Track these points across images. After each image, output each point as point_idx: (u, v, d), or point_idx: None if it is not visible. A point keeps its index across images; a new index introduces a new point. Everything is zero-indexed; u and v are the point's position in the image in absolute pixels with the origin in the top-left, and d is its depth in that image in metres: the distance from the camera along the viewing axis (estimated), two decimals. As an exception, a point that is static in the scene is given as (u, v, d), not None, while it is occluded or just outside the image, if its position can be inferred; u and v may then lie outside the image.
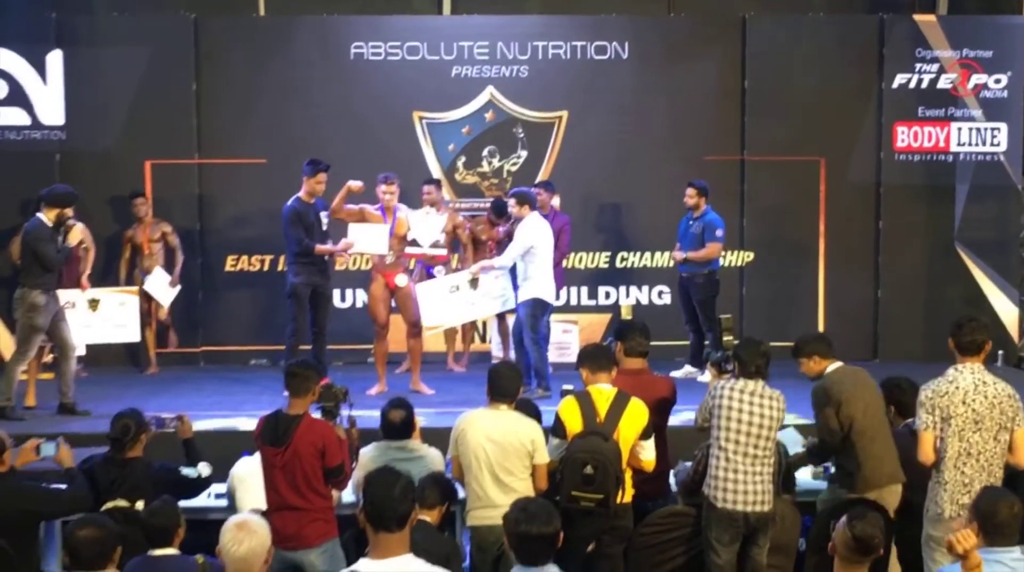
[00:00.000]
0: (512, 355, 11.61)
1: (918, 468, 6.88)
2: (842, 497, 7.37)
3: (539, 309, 11.04)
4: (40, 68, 12.84)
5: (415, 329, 11.49)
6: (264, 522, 5.27)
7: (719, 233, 12.00)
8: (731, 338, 7.81)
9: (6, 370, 10.55)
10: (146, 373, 12.69)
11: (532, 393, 10.30)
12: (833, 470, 7.75)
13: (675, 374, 11.33)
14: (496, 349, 12.93)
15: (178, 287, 12.57)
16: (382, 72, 13.22)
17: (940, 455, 6.71)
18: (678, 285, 12.43)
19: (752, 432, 7.07)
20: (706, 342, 11.77)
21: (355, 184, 10.99)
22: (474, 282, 11.38)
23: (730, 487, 7.05)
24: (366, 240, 11.21)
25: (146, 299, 12.39)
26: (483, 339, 13.39)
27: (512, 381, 7.23)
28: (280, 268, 12.69)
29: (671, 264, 12.61)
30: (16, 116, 12.86)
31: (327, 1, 13.59)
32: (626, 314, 9.43)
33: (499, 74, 13.29)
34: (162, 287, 12.44)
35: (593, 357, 7.29)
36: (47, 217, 10.27)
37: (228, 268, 13.29)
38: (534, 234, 10.96)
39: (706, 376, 11.32)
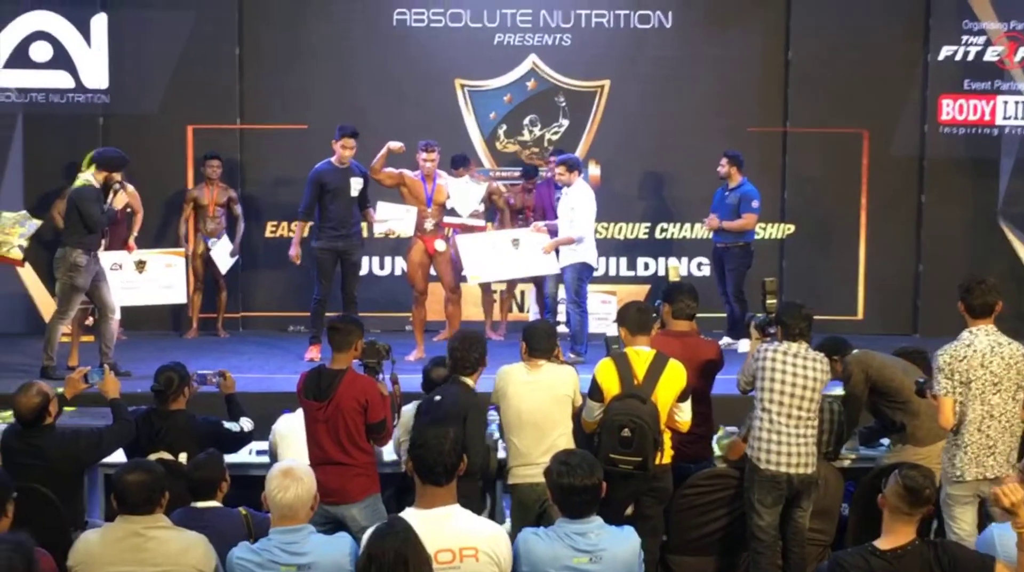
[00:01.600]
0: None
1: None
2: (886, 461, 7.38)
3: (585, 272, 11.27)
4: (84, 31, 12.88)
5: (454, 295, 11.55)
6: (309, 469, 5.30)
7: (755, 204, 11.95)
8: (773, 301, 7.76)
9: (47, 330, 10.60)
10: (186, 337, 12.76)
11: (567, 358, 10.28)
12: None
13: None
14: (534, 318, 12.91)
15: (237, 256, 12.64)
16: (424, 39, 13.19)
17: (960, 418, 6.69)
18: (712, 255, 12.42)
19: (796, 393, 7.04)
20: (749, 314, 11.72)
21: (395, 144, 11.01)
22: (516, 242, 11.43)
23: (773, 449, 7.02)
24: (393, 219, 11.30)
25: (204, 263, 12.44)
26: (520, 308, 13.38)
27: (549, 337, 7.26)
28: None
29: (708, 234, 12.55)
30: (60, 79, 12.91)
31: (370, -33, 13.59)
32: (674, 276, 9.46)
33: (541, 42, 13.24)
34: (224, 255, 12.51)
35: (633, 319, 7.25)
36: (95, 178, 10.31)
37: (268, 234, 13.33)
38: (577, 200, 11.17)
39: (744, 345, 11.43)
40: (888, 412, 7.67)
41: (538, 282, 12.22)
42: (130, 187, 11.22)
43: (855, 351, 7.83)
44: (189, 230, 12.62)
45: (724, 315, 12.21)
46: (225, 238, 12.53)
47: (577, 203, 11.16)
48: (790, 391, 7.05)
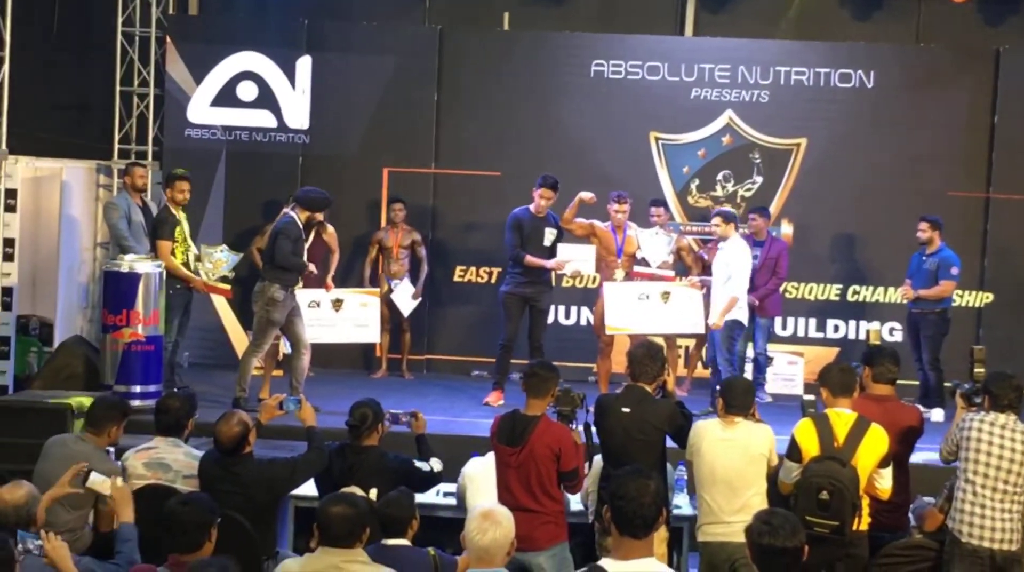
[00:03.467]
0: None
1: None
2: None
3: (736, 329, 11.18)
4: (290, 72, 13.24)
5: (638, 346, 11.44)
6: (509, 514, 5.25)
7: (954, 271, 11.64)
8: (981, 370, 7.52)
9: (241, 362, 10.83)
10: (374, 376, 12.90)
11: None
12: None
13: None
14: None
15: (419, 299, 12.76)
16: (621, 90, 13.21)
17: None
18: (907, 321, 12.10)
19: (1003, 466, 6.80)
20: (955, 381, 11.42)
21: (586, 195, 11.02)
22: (666, 296, 11.24)
23: (976, 522, 6.77)
24: (576, 260, 11.35)
25: (387, 305, 12.61)
26: (705, 366, 13.19)
27: (746, 394, 7.10)
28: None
29: (902, 300, 12.24)
30: (264, 118, 13.29)
31: (570, 18, 13.70)
32: (874, 339, 9.23)
33: (738, 98, 13.14)
34: (406, 298, 12.64)
35: (836, 380, 7.08)
36: (299, 216, 10.53)
37: (456, 278, 13.43)
38: (733, 257, 11.10)
39: (937, 415, 11.12)
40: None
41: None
42: (329, 228, 11.44)
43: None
44: (379, 272, 12.76)
45: (917, 382, 11.85)
46: (407, 281, 12.66)
47: (733, 259, 11.06)
48: (996, 463, 6.82)
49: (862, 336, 13.05)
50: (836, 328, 13.28)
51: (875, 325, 12.49)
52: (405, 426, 7.72)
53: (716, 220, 11.24)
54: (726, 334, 11.12)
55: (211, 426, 7.16)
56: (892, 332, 13.14)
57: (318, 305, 11.35)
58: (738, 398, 7.08)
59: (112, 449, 7.51)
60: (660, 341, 11.56)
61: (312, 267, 10.70)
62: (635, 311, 11.19)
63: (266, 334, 10.59)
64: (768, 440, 7.07)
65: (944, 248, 11.74)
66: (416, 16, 13.93)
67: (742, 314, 11.19)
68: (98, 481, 6.34)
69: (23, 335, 12.10)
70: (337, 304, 11.49)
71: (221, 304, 12.93)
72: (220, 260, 10.98)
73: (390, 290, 12.62)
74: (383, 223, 13.12)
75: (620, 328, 11.28)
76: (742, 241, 11.33)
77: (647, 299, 11.20)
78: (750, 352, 12.17)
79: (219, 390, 11.37)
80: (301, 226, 10.54)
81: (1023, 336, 12.86)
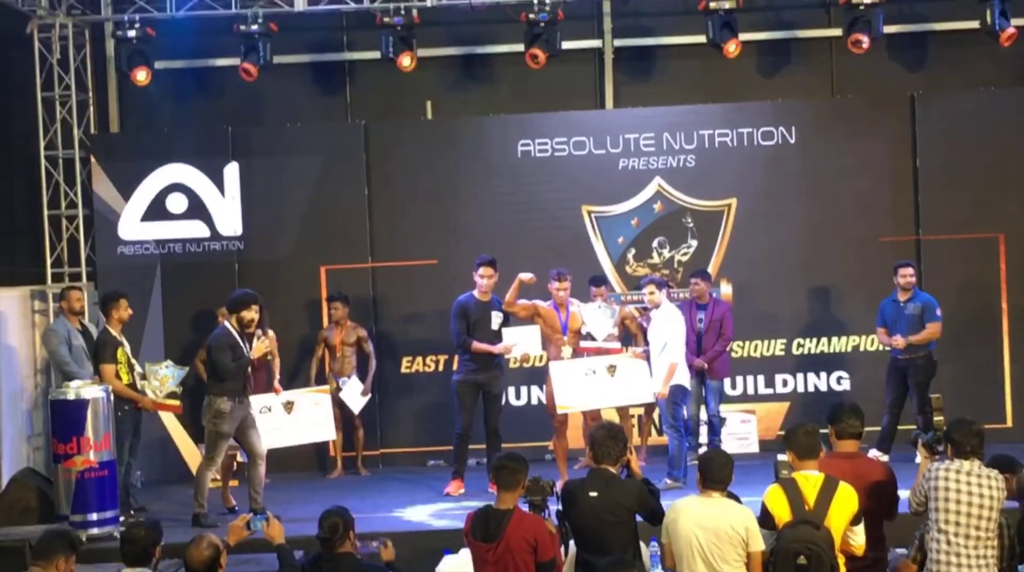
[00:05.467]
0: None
1: None
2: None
3: (679, 394, 11.27)
4: (218, 180, 13.22)
5: (595, 421, 11.41)
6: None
7: (939, 312, 11.89)
8: (941, 419, 7.56)
9: (196, 477, 10.71)
10: (330, 476, 12.79)
11: (661, 484, 10.11)
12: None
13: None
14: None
15: (369, 395, 12.69)
16: (549, 168, 13.32)
17: None
18: (891, 368, 12.16)
19: (973, 513, 6.83)
20: (905, 427, 11.60)
21: (525, 276, 11.07)
22: (612, 369, 11.23)
23: (953, 570, 6.79)
24: (522, 342, 11.37)
25: (337, 405, 12.53)
26: (659, 432, 13.21)
27: (724, 468, 7.05)
28: (454, 367, 12.69)
29: (879, 347, 12.55)
30: (196, 228, 13.24)
31: (491, 101, 13.87)
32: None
33: (666, 164, 13.28)
34: (355, 396, 12.57)
35: (801, 443, 7.08)
36: (231, 324, 10.46)
37: (403, 370, 13.38)
38: (665, 325, 11.26)
39: (884, 459, 11.24)
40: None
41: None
42: (270, 333, 11.35)
43: (1029, 465, 7.59)
44: (326, 369, 12.68)
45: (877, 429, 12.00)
46: (354, 379, 12.59)
47: (667, 325, 11.24)
48: (966, 511, 6.85)
49: (811, 388, 13.19)
50: (785, 382, 13.35)
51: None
52: (374, 550, 7.62)
53: (648, 288, 11.35)
54: (669, 401, 11.23)
55: (177, 547, 7.05)
56: (840, 381, 13.25)
57: (270, 410, 11.21)
58: (716, 472, 7.01)
59: None
60: (616, 418, 11.70)
61: (253, 357, 10.56)
62: (584, 388, 11.15)
63: (217, 447, 10.50)
64: (747, 521, 6.94)
65: (920, 292, 12.01)
66: (338, 113, 14.04)
67: (683, 378, 11.29)
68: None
69: (-33, 469, 11.90)
70: (288, 406, 11.36)
71: (169, 419, 12.79)
72: (166, 376, 10.86)
73: (338, 388, 12.53)
74: (325, 322, 13.06)
75: (571, 406, 11.25)
76: (672, 306, 11.49)
77: (594, 374, 11.16)
78: (703, 415, 12.24)
79: (175, 507, 11.25)
80: (236, 333, 10.46)
81: (967, 372, 13.00)
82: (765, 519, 6.91)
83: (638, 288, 12.89)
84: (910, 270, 11.98)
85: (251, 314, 10.43)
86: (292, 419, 11.40)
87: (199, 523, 10.33)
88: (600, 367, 11.20)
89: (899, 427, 11.94)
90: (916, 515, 7.24)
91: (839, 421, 7.44)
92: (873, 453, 11.79)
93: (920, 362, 11.87)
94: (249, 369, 10.64)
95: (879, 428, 12.02)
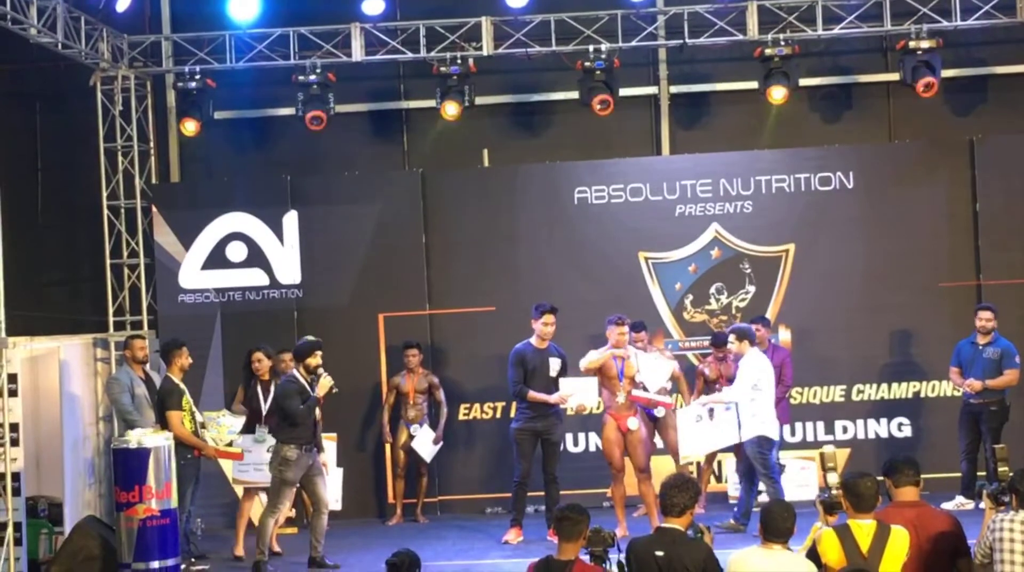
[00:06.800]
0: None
1: None
2: None
3: (766, 446, 11.26)
4: (277, 229, 13.34)
5: (644, 474, 11.44)
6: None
7: (1018, 359, 11.83)
8: (1007, 469, 7.45)
9: (259, 525, 10.77)
10: (389, 524, 12.80)
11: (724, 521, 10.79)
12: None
13: (945, 506, 10.93)
14: (733, 489, 12.68)
15: (440, 443, 12.74)
16: (606, 215, 13.35)
17: None
18: (963, 412, 12.09)
19: (1038, 565, 6.73)
20: (980, 473, 11.57)
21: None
22: (711, 413, 11.49)
23: (1019, 624, 6.69)
24: (579, 393, 11.42)
25: (404, 451, 12.58)
26: (719, 479, 13.16)
27: (786, 520, 6.97)
28: (512, 414, 12.69)
29: (940, 392, 12.62)
30: (256, 277, 13.36)
31: (549, 149, 13.92)
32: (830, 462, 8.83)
33: (723, 210, 13.27)
34: (427, 444, 12.64)
35: (860, 494, 7.00)
36: (299, 372, 10.56)
37: (461, 417, 13.39)
38: (757, 369, 11.26)
39: (970, 506, 11.14)
40: None
41: (737, 451, 12.03)
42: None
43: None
44: (388, 415, 12.73)
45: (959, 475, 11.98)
46: (426, 427, 12.64)
47: (744, 372, 11.31)
48: (1032, 563, 6.75)
49: (871, 435, 13.08)
50: (844, 429, 13.25)
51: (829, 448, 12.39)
52: None
53: (731, 338, 11.41)
54: (756, 451, 11.20)
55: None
56: (900, 427, 13.14)
57: (269, 451, 11.13)
58: (778, 524, 6.92)
59: None
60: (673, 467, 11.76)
61: (319, 395, 10.62)
62: (698, 434, 11.54)
63: (281, 495, 10.58)
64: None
65: (999, 337, 11.91)
66: (396, 162, 14.16)
67: (770, 429, 11.25)
68: None
69: (32, 517, 11.98)
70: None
71: (227, 465, 12.84)
72: (224, 425, 11.01)
73: (410, 437, 12.59)
74: (383, 369, 13.11)
75: (693, 456, 11.90)
76: (760, 354, 11.47)
77: (701, 421, 11.55)
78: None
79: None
80: (302, 379, 10.57)
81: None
82: (814, 559, 6.86)
83: (700, 334, 12.96)
84: (988, 313, 11.89)
85: (317, 360, 10.63)
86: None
87: (259, 571, 10.40)
88: (704, 413, 11.52)
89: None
90: (982, 567, 7.14)
91: (896, 472, 7.35)
92: (959, 500, 11.86)
93: (993, 408, 11.78)
94: (318, 415, 10.75)
95: (959, 475, 12.00)
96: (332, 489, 11.55)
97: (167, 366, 11.14)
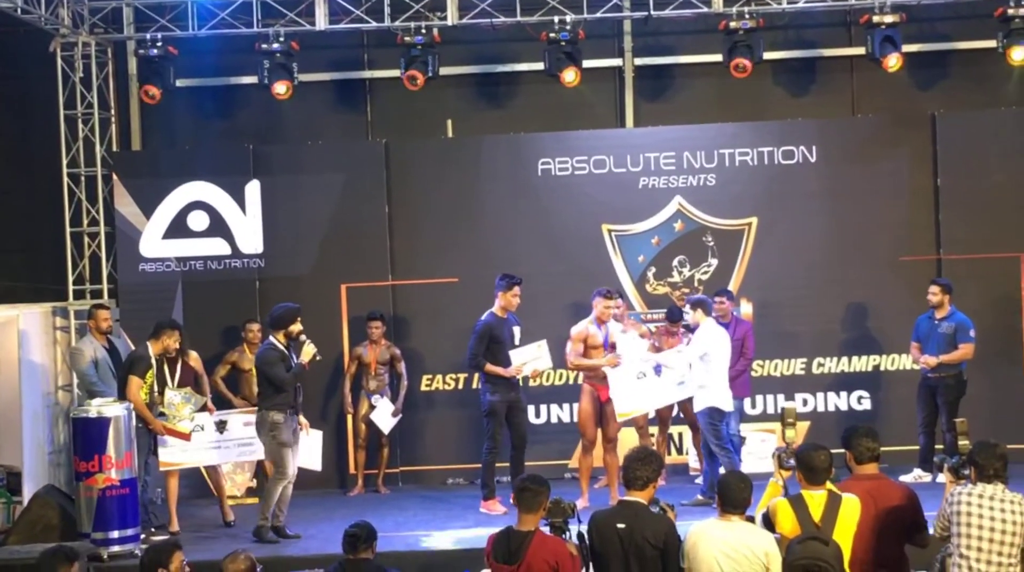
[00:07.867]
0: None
1: None
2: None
3: (716, 417, 11.29)
4: (239, 198, 13.24)
5: (611, 444, 11.48)
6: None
7: (972, 333, 11.88)
8: (966, 442, 7.54)
9: (266, 491, 10.80)
10: (350, 494, 12.79)
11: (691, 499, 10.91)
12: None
13: (904, 478, 10.99)
14: (693, 461, 12.75)
15: (400, 415, 12.73)
16: (569, 186, 13.33)
17: None
18: (921, 386, 12.18)
19: (995, 538, 6.81)
20: (938, 446, 11.65)
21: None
22: (657, 370, 11.48)
23: (975, 597, 6.77)
24: (531, 360, 11.42)
25: (364, 422, 12.58)
26: (679, 451, 13.22)
27: (742, 491, 7.02)
28: (474, 385, 12.71)
29: (899, 366, 12.68)
30: (218, 246, 13.26)
31: (513, 120, 13.92)
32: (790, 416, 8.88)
33: (686, 183, 13.27)
34: (386, 416, 12.64)
35: (811, 467, 7.06)
36: (277, 339, 10.53)
37: (423, 388, 13.38)
38: (709, 340, 11.26)
39: (928, 478, 11.23)
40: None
41: (694, 425, 12.07)
42: (192, 353, 11.31)
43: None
44: (349, 385, 12.72)
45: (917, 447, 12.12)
46: (386, 399, 12.62)
47: (694, 341, 11.37)
48: (988, 536, 6.82)
49: (831, 408, 13.16)
50: (805, 402, 13.31)
51: (790, 403, 12.45)
52: None
53: (687, 308, 11.50)
54: (708, 422, 11.24)
55: (211, 564, 7.11)
56: (860, 400, 13.22)
57: (202, 429, 11.15)
58: (735, 495, 6.97)
59: None
60: (636, 438, 11.78)
61: (303, 362, 10.64)
62: (637, 391, 11.39)
63: (283, 458, 10.59)
64: (767, 546, 6.86)
65: (956, 311, 11.98)
66: (360, 132, 14.11)
67: (721, 401, 11.27)
68: None
69: (-11, 486, 11.96)
70: (221, 426, 11.34)
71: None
72: (182, 403, 10.85)
73: (371, 408, 12.59)
74: (346, 340, 13.09)
75: (630, 412, 11.49)
76: (715, 326, 11.47)
77: (644, 377, 11.41)
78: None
79: (199, 523, 11.50)
80: (282, 346, 10.58)
81: (990, 395, 12.86)
82: (770, 530, 6.93)
83: (661, 306, 12.98)
84: (936, 288, 11.96)
85: (297, 327, 10.65)
86: (223, 438, 11.34)
87: (260, 536, 10.46)
88: (648, 369, 11.42)
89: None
90: (941, 540, 7.21)
91: (855, 445, 7.41)
92: (916, 472, 11.95)
93: (949, 382, 11.86)
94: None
95: (918, 448, 12.14)
96: (313, 450, 11.51)
97: (152, 338, 10.95)
